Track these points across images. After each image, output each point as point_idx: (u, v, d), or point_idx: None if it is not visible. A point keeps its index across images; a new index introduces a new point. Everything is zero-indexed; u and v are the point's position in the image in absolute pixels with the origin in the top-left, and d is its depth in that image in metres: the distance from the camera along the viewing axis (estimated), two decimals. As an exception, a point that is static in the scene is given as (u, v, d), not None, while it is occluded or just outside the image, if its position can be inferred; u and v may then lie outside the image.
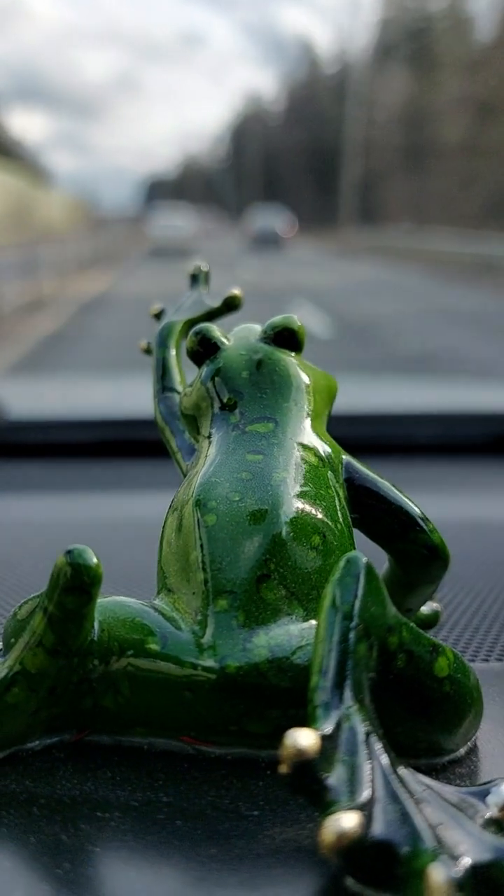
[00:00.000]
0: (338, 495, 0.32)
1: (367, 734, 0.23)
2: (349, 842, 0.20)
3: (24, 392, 1.03)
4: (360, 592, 0.25)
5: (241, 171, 49.81)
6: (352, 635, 0.24)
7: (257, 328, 0.37)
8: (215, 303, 0.43)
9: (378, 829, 0.21)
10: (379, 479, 0.34)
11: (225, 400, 0.34)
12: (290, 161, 41.54)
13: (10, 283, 7.15)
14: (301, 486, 0.31)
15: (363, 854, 0.21)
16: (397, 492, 0.34)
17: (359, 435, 0.72)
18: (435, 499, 0.45)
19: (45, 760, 0.29)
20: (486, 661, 0.37)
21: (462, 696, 0.28)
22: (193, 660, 0.27)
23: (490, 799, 0.23)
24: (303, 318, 0.37)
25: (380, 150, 27.47)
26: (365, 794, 0.22)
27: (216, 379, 0.35)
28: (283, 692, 0.27)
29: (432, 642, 0.27)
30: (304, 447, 0.33)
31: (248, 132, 49.99)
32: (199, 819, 0.26)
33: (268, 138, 46.82)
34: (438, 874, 0.19)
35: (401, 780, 0.23)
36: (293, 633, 0.28)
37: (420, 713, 0.27)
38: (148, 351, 0.43)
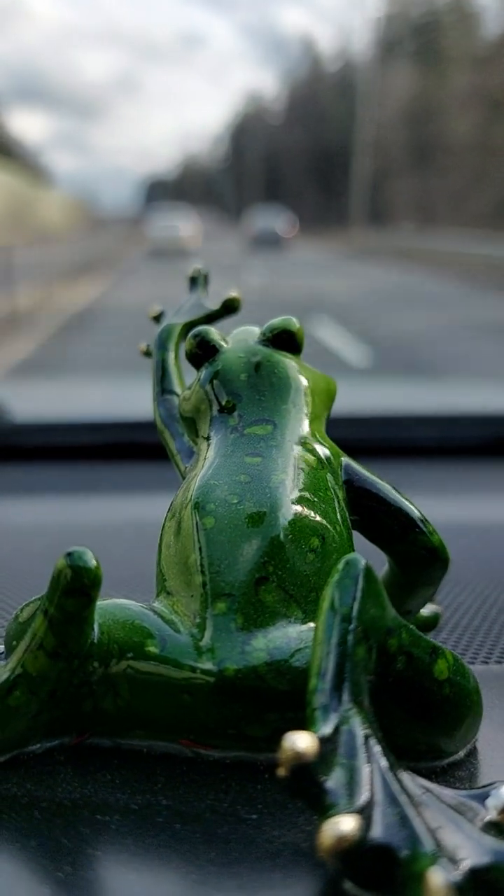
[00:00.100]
0: (337, 497, 0.32)
1: (367, 737, 0.23)
2: (348, 845, 0.20)
3: (26, 395, 1.03)
4: (359, 594, 0.25)
5: (241, 171, 49.78)
6: (351, 637, 0.24)
7: (256, 330, 0.37)
8: (214, 305, 0.43)
9: (377, 832, 0.21)
10: (378, 481, 0.34)
11: (223, 402, 0.34)
12: (292, 161, 41.46)
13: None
14: (300, 488, 0.31)
15: (362, 857, 0.21)
16: (397, 493, 0.34)
17: (358, 437, 0.72)
18: (435, 501, 0.45)
19: (46, 764, 0.29)
20: (486, 663, 0.37)
21: (462, 699, 0.28)
22: (192, 663, 0.27)
23: (490, 802, 0.23)
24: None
25: (385, 148, 27.19)
26: (364, 797, 0.21)
27: (215, 381, 0.35)
28: (282, 695, 0.27)
29: (432, 644, 0.27)
30: (303, 449, 0.33)
31: (248, 132, 49.97)
32: (198, 822, 0.26)
33: (268, 138, 46.74)
34: (438, 877, 0.19)
35: (400, 783, 0.23)
36: (292, 635, 0.28)
37: (420, 716, 0.27)
38: (147, 353, 0.43)
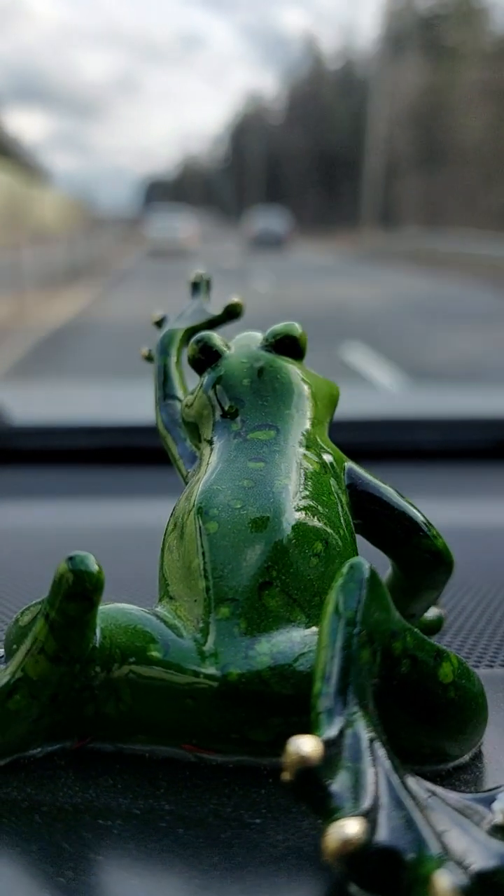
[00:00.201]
0: (340, 501, 0.32)
1: (371, 740, 0.23)
2: (353, 848, 0.20)
3: (26, 398, 1.03)
4: (363, 598, 0.25)
5: (241, 171, 49.69)
6: (355, 641, 0.24)
7: (258, 336, 0.37)
8: (217, 311, 0.43)
9: (382, 835, 0.21)
10: (382, 485, 0.34)
11: (226, 408, 0.34)
12: (293, 161, 41.31)
13: None
14: (303, 492, 0.31)
15: (367, 861, 0.20)
16: (400, 497, 0.34)
17: (361, 441, 0.72)
18: (438, 504, 0.45)
19: (47, 768, 0.28)
20: (491, 666, 0.37)
21: (467, 702, 0.28)
22: (195, 667, 0.27)
23: (496, 805, 0.23)
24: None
25: (395, 146, 26.88)
26: (369, 801, 0.21)
27: (217, 387, 0.35)
28: (286, 700, 0.27)
29: (437, 648, 0.27)
30: (306, 454, 0.33)
31: (248, 132, 49.88)
32: (201, 827, 0.26)
33: (269, 138, 46.60)
34: (444, 881, 0.19)
35: (405, 786, 0.22)
36: (295, 640, 0.28)
37: (424, 719, 0.27)
38: (149, 358, 0.43)
